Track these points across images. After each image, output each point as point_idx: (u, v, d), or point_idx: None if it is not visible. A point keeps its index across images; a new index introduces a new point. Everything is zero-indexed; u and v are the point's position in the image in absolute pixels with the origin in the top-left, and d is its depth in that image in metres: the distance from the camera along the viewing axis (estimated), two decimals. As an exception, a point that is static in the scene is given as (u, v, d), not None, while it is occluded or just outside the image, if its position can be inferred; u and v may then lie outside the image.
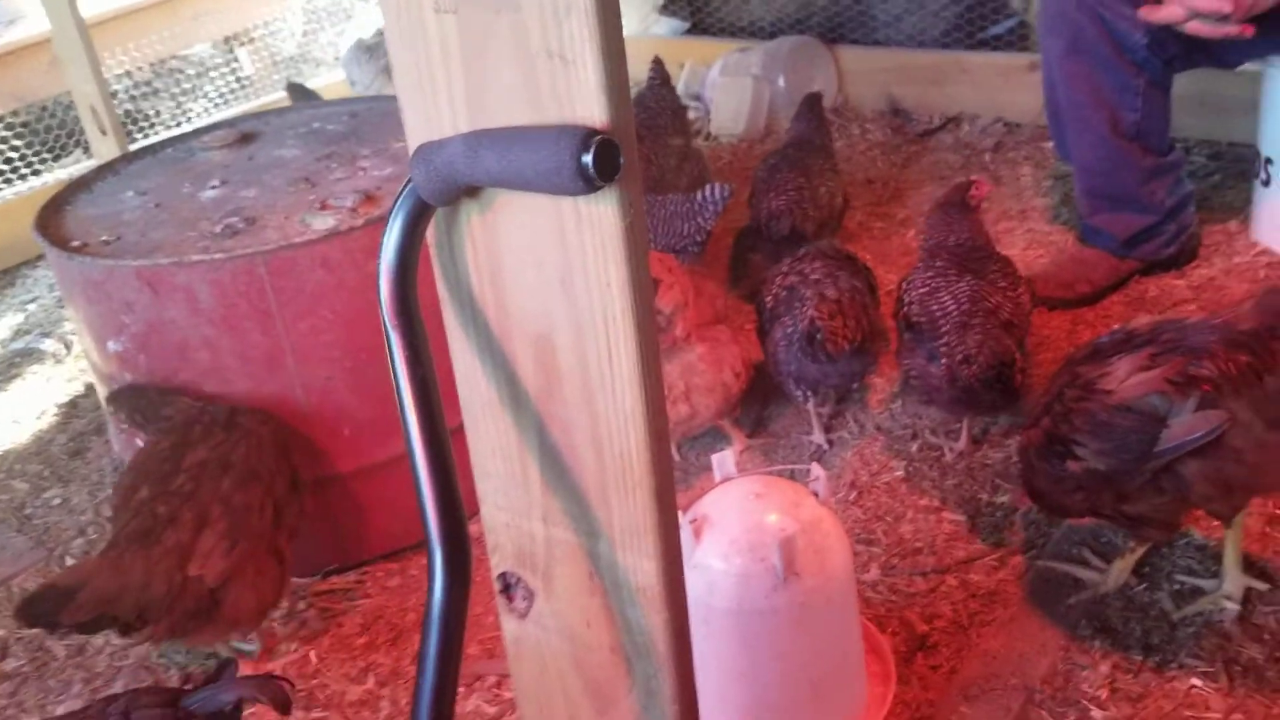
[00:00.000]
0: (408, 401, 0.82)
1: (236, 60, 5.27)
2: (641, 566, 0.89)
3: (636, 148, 0.76)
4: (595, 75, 0.72)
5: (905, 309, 2.12)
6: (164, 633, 1.64)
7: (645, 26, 4.88)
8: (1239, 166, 3.01)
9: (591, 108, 0.73)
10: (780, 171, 2.80)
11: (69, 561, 2.23)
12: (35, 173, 4.17)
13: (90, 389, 2.91)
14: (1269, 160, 2.53)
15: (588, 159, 0.70)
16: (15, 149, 4.03)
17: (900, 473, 2.13)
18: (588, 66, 0.72)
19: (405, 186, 0.81)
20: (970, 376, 1.91)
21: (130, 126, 4.51)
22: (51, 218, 2.13)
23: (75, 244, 1.99)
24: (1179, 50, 2.24)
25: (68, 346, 3.16)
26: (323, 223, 1.93)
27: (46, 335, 3.24)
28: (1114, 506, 1.53)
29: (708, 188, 2.59)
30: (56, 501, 2.44)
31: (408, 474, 2.02)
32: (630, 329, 0.80)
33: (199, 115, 4.80)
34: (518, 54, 0.75)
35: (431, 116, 0.82)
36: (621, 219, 0.76)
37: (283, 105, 3.81)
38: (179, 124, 4.66)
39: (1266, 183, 2.56)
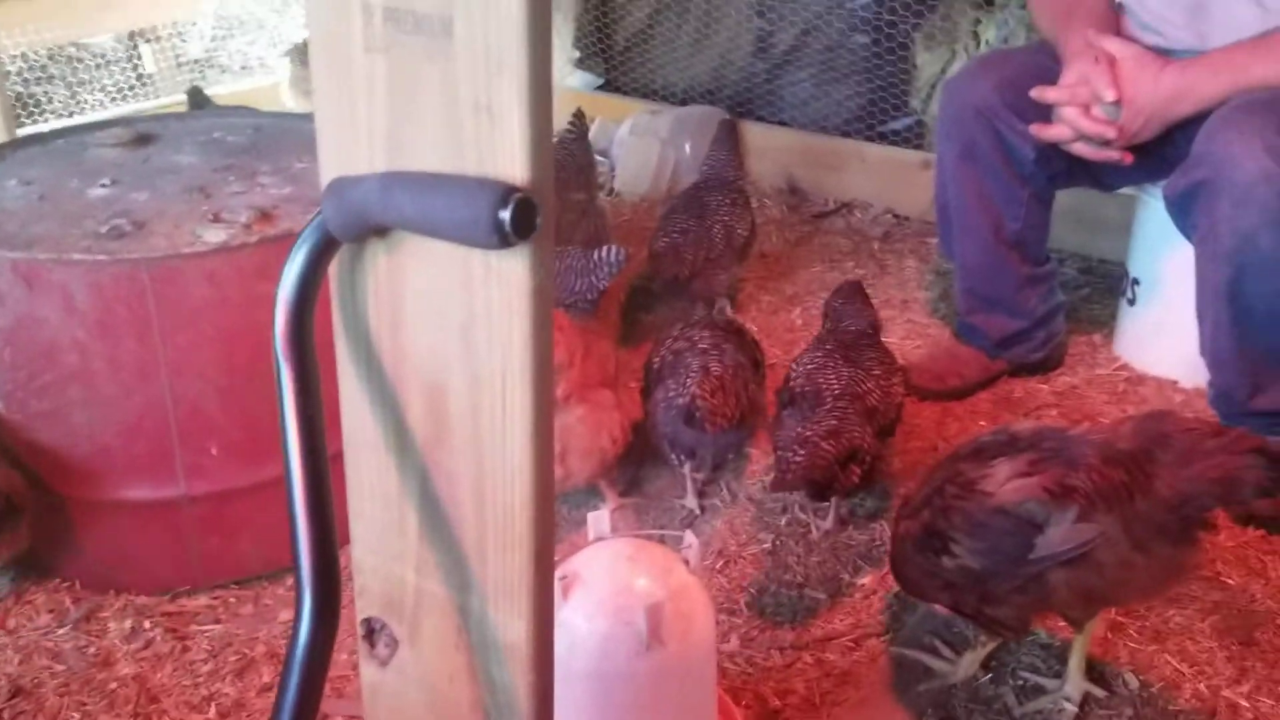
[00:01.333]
0: (291, 437, 0.81)
1: (139, 56, 5.13)
2: (512, 625, 0.88)
3: (554, 208, 0.77)
4: (520, 132, 0.73)
5: (791, 379, 2.18)
6: None
7: (560, 77, 4.93)
8: (1106, 283, 3.18)
9: (513, 164, 0.74)
10: (675, 214, 2.89)
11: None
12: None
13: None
14: (1136, 281, 2.68)
15: (505, 214, 0.70)
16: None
17: (767, 545, 2.16)
18: (514, 123, 0.73)
19: (314, 218, 0.80)
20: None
21: (19, 111, 4.34)
22: (-77, 197, 2.03)
23: (-54, 228, 1.89)
24: (1063, 168, 2.36)
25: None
26: (214, 235, 1.89)
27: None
28: (976, 606, 1.58)
29: (604, 249, 2.61)
30: (-113, 494, 2.29)
31: (271, 500, 1.97)
32: (527, 386, 0.80)
33: (93, 107, 4.65)
34: (444, 102, 0.76)
35: (348, 152, 0.82)
36: (531, 278, 0.77)
37: (180, 109, 3.72)
38: (71, 114, 4.50)
39: (1132, 301, 2.70)
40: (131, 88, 5.04)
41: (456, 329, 0.82)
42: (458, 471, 0.86)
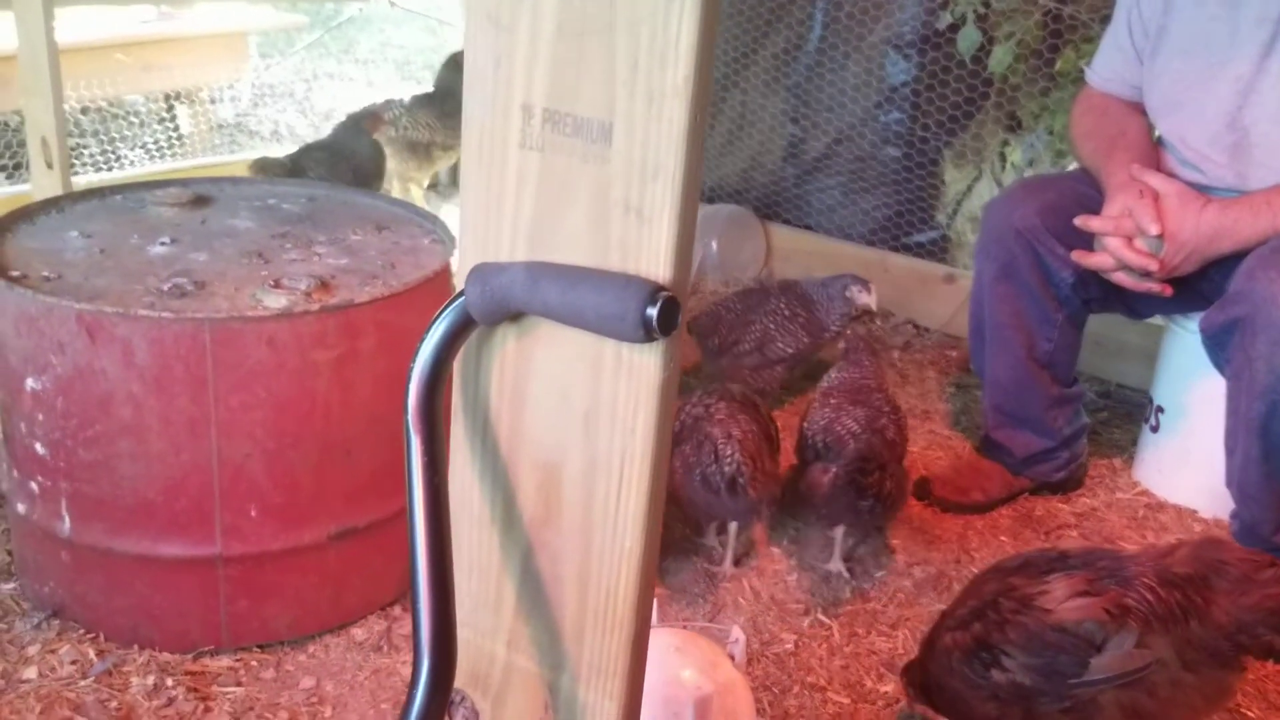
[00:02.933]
0: (419, 508, 0.83)
1: (174, 117, 5.25)
2: (603, 706, 0.90)
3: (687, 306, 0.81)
4: (668, 235, 0.77)
5: (810, 439, 2.34)
6: None
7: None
8: (1124, 408, 3.23)
9: (658, 264, 0.78)
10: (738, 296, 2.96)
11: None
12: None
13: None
14: (1160, 408, 2.72)
15: (653, 311, 0.74)
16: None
17: (790, 646, 2.17)
18: (663, 226, 0.77)
19: (455, 299, 0.84)
20: (847, 473, 2.18)
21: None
22: (-10, 242, 2.08)
23: (14, 274, 1.93)
24: (1099, 294, 2.42)
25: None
26: (275, 301, 1.92)
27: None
28: None
29: None
30: (-86, 532, 2.30)
31: (302, 566, 1.99)
32: (645, 473, 0.83)
33: (131, 164, 4.75)
34: (594, 201, 0.80)
35: (490, 239, 0.86)
36: (662, 371, 0.80)
37: (214, 171, 3.81)
38: (109, 167, 4.60)
39: (1156, 429, 2.74)
40: (166, 147, 5.15)
41: (580, 414, 0.85)
42: (564, 551, 0.89)
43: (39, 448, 1.94)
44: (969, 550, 2.53)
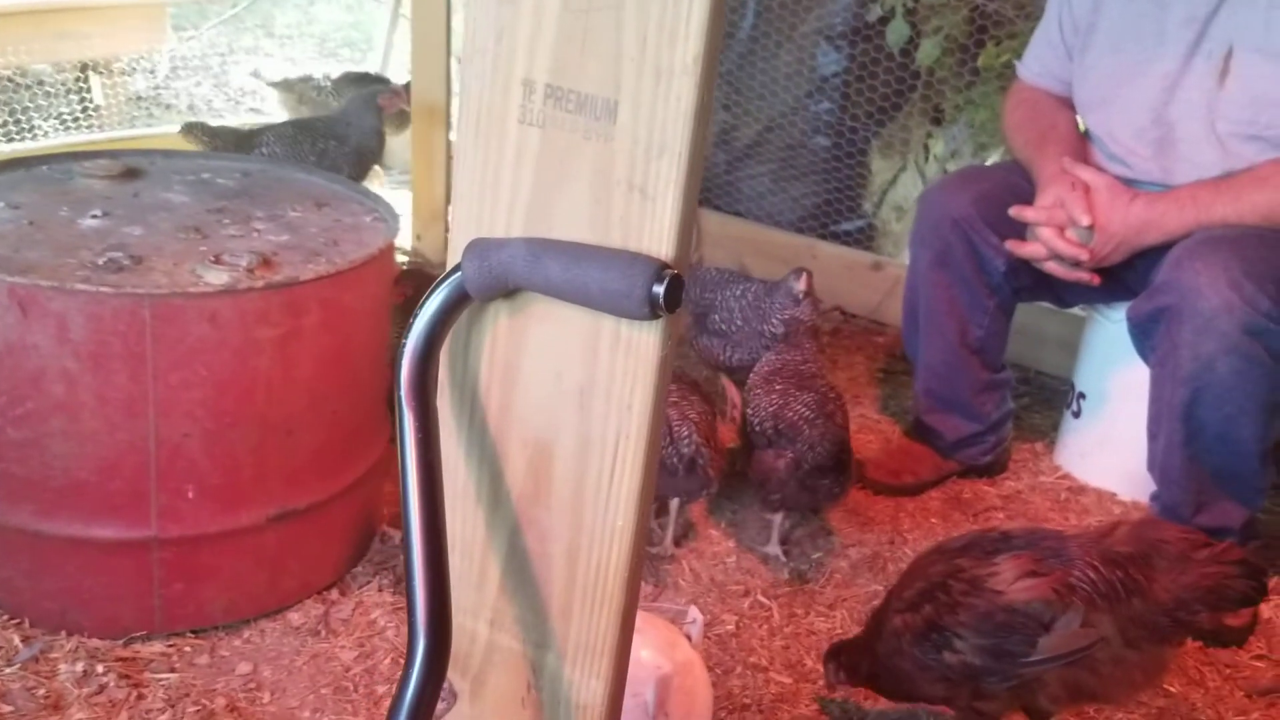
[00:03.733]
0: (412, 484, 0.82)
1: (88, 87, 5.08)
2: (589, 685, 0.90)
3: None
4: (672, 213, 0.78)
5: (758, 424, 2.36)
6: None
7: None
8: (1043, 394, 3.33)
9: (661, 242, 0.78)
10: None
11: None
12: None
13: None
14: (1082, 395, 2.81)
15: (659, 289, 0.74)
16: None
17: (731, 627, 2.19)
18: (667, 204, 0.78)
19: (450, 274, 0.83)
20: (816, 458, 2.24)
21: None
22: (-93, 211, 1.99)
23: (-63, 245, 1.85)
24: (1029, 283, 2.48)
25: None
26: (216, 277, 1.88)
27: None
28: (969, 700, 1.62)
29: None
30: None
31: (239, 548, 1.95)
32: (641, 451, 0.83)
33: (43, 135, 4.58)
34: (596, 178, 0.80)
35: (485, 215, 0.85)
36: (661, 348, 0.81)
37: (129, 144, 3.68)
38: (21, 138, 4.43)
39: (1077, 414, 2.83)
40: (76, 119, 4.98)
41: (574, 391, 0.85)
42: (553, 528, 0.89)
43: (-37, 426, 1.87)
44: (901, 532, 2.58)
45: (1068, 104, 2.59)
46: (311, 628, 2.07)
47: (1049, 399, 3.29)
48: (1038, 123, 2.55)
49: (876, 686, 1.83)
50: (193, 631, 2.01)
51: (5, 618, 1.97)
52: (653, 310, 0.75)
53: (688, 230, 0.79)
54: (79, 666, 1.89)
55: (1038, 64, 2.64)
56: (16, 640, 1.93)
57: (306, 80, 4.26)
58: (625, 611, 0.88)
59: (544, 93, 0.80)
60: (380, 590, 2.19)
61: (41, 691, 1.83)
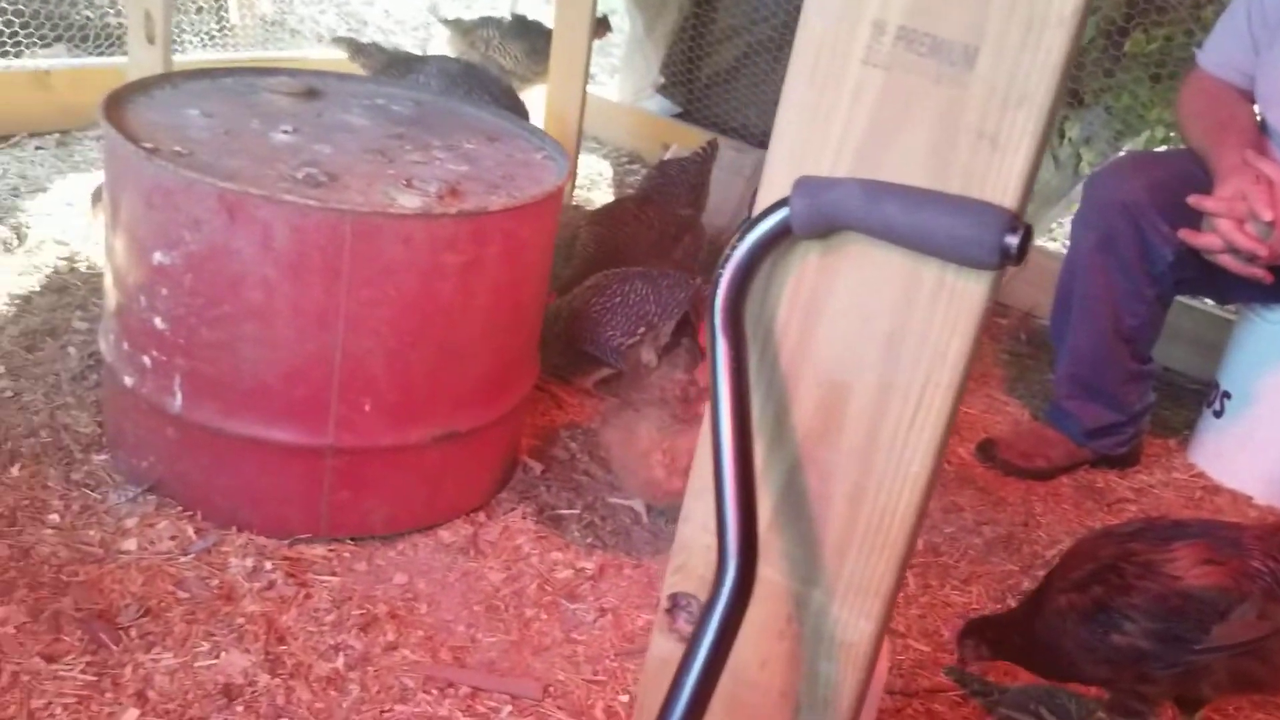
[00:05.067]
0: (724, 411, 0.84)
1: (225, 6, 5.18)
2: (857, 625, 0.92)
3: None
4: (1023, 164, 0.78)
5: None
6: None
7: (636, 98, 5.00)
8: (1173, 390, 3.28)
9: (1006, 194, 0.79)
10: None
11: (18, 462, 2.10)
12: (6, 54, 3.99)
13: (46, 287, 2.75)
14: (1227, 394, 2.76)
15: (1013, 240, 0.75)
16: (6, 24, 3.86)
17: (867, 590, 2.21)
18: (1018, 155, 0.78)
19: (775, 208, 0.85)
20: None
21: (105, 43, 4.36)
22: (114, 111, 2.05)
23: (147, 145, 1.91)
24: (1194, 275, 2.44)
25: (20, 238, 2.99)
26: (409, 200, 1.92)
27: (-3, 221, 3.06)
28: (1132, 684, 1.62)
29: None
30: (7, 394, 2.29)
31: (405, 464, 2.01)
32: (947, 401, 0.84)
33: (188, 48, 4.69)
34: (940, 124, 0.81)
35: (810, 153, 0.86)
36: (987, 299, 0.81)
37: (267, 62, 3.74)
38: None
39: (1219, 413, 2.78)
40: (213, 36, 5.08)
41: (882, 335, 0.86)
42: (838, 469, 0.90)
43: (158, 322, 1.93)
44: (1034, 515, 2.57)
45: (1248, 97, 2.52)
46: (461, 546, 2.13)
47: (1179, 396, 3.24)
48: (1216, 113, 2.49)
49: (1027, 663, 1.83)
50: (352, 539, 2.07)
51: (179, 510, 2.05)
52: (1002, 259, 0.76)
53: (1031, 184, 0.79)
54: (249, 561, 1.96)
55: (1219, 54, 2.57)
56: (190, 531, 2.01)
57: (487, 22, 4.29)
58: (904, 556, 0.89)
59: (895, 34, 0.80)
60: (524, 518, 2.24)
61: (214, 582, 1.91)
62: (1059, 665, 1.74)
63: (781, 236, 0.86)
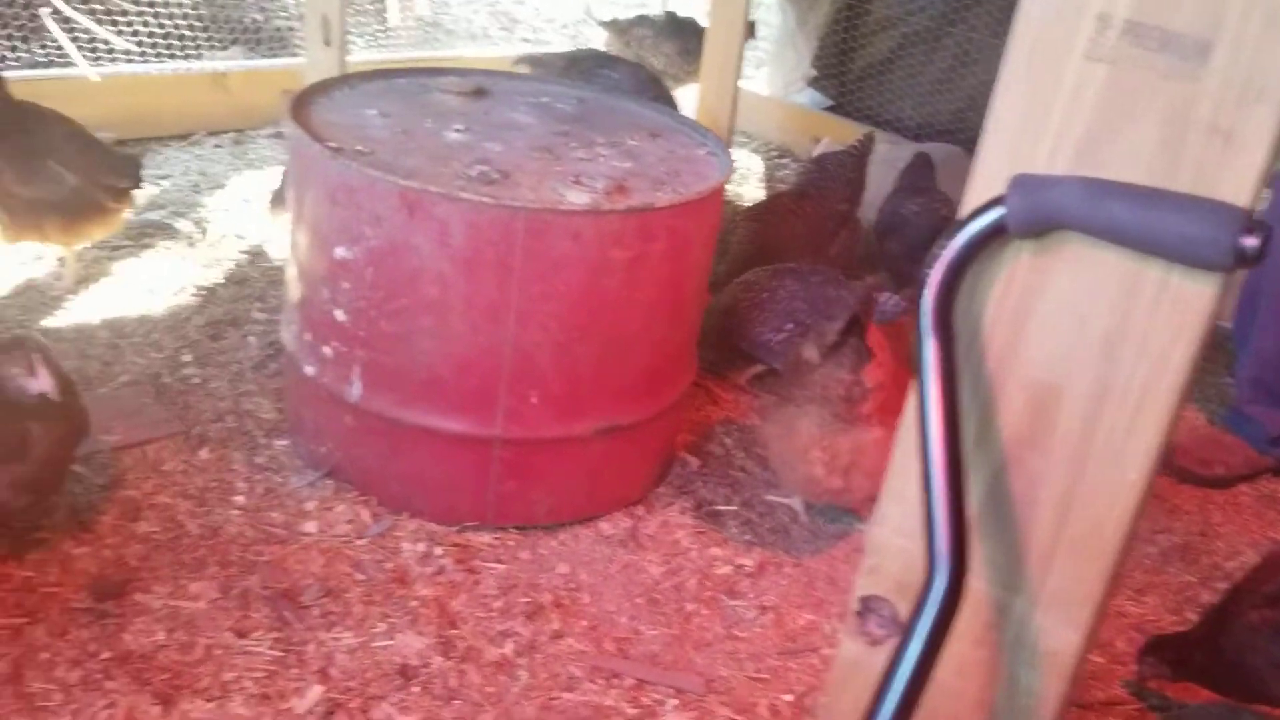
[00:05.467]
0: (933, 414, 0.83)
1: (384, 8, 5.34)
2: (1061, 634, 0.89)
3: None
4: (1260, 161, 0.75)
5: None
6: None
7: (787, 91, 4.96)
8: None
9: (1241, 192, 0.75)
10: None
11: (206, 445, 2.21)
12: (187, 56, 4.20)
13: (228, 279, 2.89)
14: None
15: (1251, 243, 0.72)
16: (188, 28, 4.07)
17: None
18: (1256, 152, 0.75)
19: (989, 206, 0.83)
20: None
21: (277, 45, 4.55)
22: (300, 112, 2.14)
23: (332, 145, 1.99)
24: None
25: (203, 232, 3.15)
26: (577, 197, 1.94)
27: (180, 215, 3.23)
28: None
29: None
30: (195, 380, 2.42)
31: (568, 456, 2.04)
32: (1168, 406, 0.81)
33: (355, 49, 4.85)
34: (1169, 120, 0.78)
35: (1024, 149, 0.84)
36: (1212, 303, 0.78)
37: (427, 61, 3.84)
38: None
39: None
40: (376, 36, 5.24)
41: (1097, 337, 0.83)
42: (1046, 474, 0.88)
43: (339, 314, 2.01)
44: (1212, 525, 2.46)
45: None
46: (620, 539, 2.15)
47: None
48: None
49: (1211, 683, 1.75)
50: (516, 528, 2.12)
51: (355, 494, 2.13)
52: (1238, 263, 0.72)
53: (1264, 179, 0.76)
54: (420, 546, 2.03)
55: None
56: (366, 516, 2.08)
57: (642, 21, 4.33)
58: (1115, 565, 0.87)
59: (1121, 28, 0.78)
60: (682, 512, 2.25)
61: (389, 565, 1.98)
62: (1246, 684, 1.67)
63: (995, 235, 0.84)
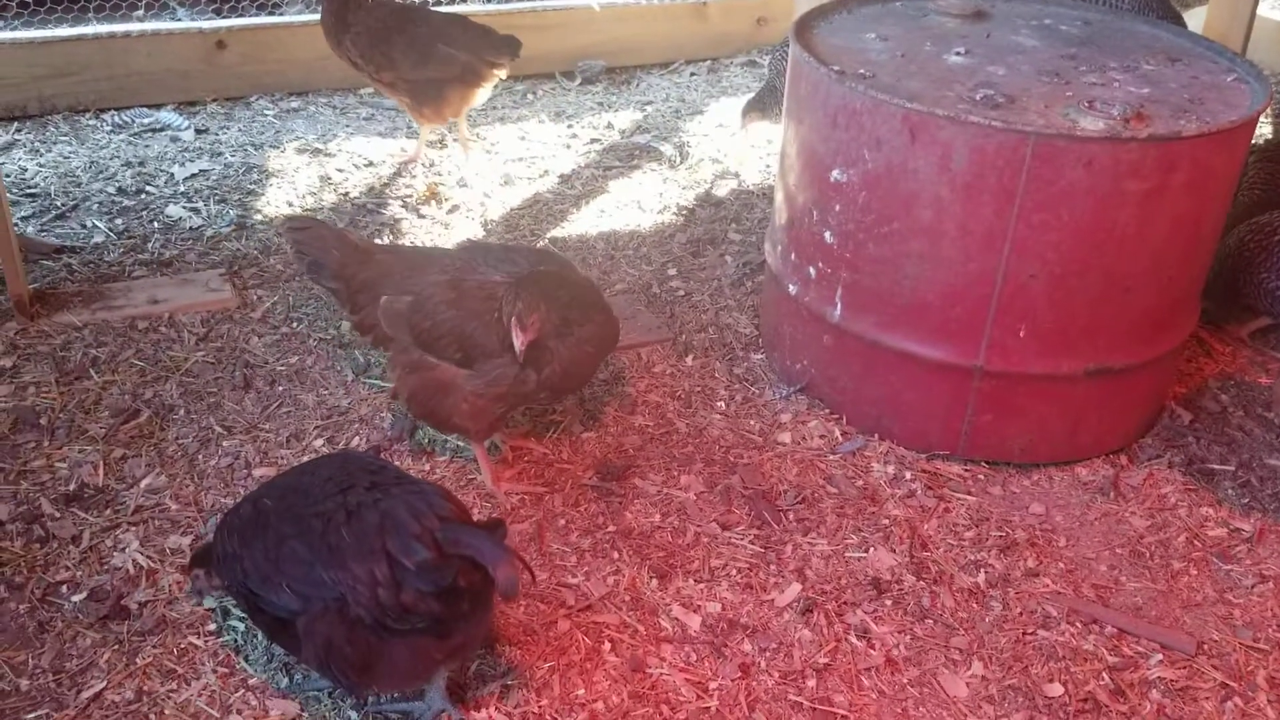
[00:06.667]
0: None
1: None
2: None
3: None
4: None
5: None
6: None
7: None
8: None
9: None
10: None
11: (691, 353, 2.37)
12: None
13: (704, 201, 3.05)
14: None
15: None
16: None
17: None
18: None
19: None
20: None
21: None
22: (802, 35, 2.19)
23: (835, 69, 2.02)
24: None
25: (683, 155, 3.34)
26: (1091, 123, 1.85)
27: (664, 140, 3.43)
28: None
29: None
30: (680, 293, 2.59)
31: (1052, 394, 1.98)
32: None
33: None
34: None
35: None
36: None
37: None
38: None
39: None
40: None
41: None
42: None
43: (827, 236, 2.06)
44: None
45: None
46: (1100, 486, 2.06)
47: None
48: None
49: None
50: (987, 462, 2.09)
51: (827, 412, 2.20)
52: None
53: None
54: (890, 468, 2.06)
55: None
56: (837, 433, 2.15)
57: None
58: None
59: None
60: (1170, 467, 2.11)
61: (859, 482, 2.03)
62: None
63: None
